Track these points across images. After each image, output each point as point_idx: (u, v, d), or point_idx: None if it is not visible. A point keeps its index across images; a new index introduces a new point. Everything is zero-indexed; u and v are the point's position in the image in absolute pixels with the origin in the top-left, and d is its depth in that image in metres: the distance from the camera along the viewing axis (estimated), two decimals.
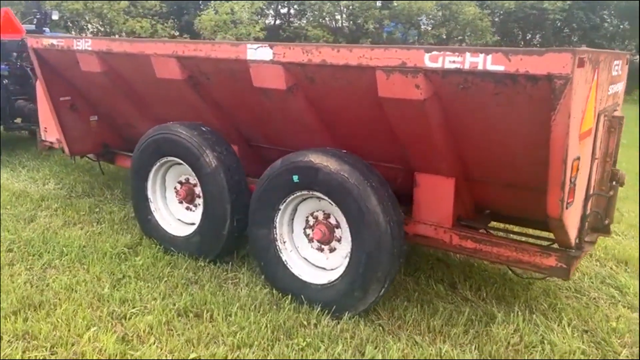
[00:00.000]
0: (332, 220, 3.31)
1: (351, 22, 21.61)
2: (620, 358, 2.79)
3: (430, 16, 21.04)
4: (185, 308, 3.16)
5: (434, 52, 2.70)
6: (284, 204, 3.35)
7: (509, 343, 3.01)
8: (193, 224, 3.93)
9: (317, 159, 3.14)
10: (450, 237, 3.34)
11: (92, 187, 5.55)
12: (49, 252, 3.84)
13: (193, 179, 3.92)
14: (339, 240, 3.30)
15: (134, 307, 3.16)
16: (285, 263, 3.39)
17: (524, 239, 3.48)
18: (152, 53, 3.86)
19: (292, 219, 3.45)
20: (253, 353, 2.78)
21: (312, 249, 3.42)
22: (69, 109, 5.13)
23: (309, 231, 3.42)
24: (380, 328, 3.09)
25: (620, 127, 3.28)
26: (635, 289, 3.79)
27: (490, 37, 20.05)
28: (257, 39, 17.74)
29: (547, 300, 3.55)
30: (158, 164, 3.93)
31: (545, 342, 3.05)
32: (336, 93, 3.20)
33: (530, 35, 22.99)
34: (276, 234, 3.41)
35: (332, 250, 3.33)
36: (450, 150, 3.12)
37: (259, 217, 3.43)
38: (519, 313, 3.28)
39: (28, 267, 3.65)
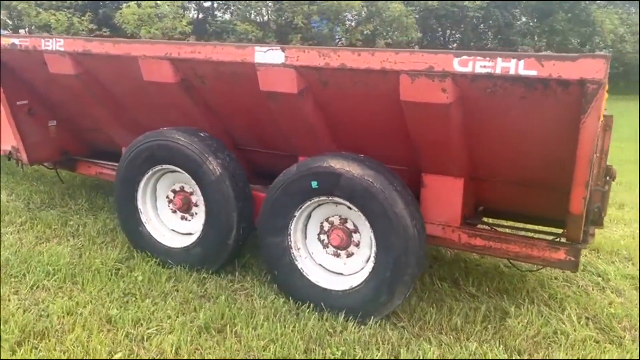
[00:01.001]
0: (350, 225, 3.28)
1: (279, 17, 21.46)
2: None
3: (355, 13, 21.34)
4: (205, 324, 3.02)
5: (464, 57, 2.74)
6: (300, 211, 3.28)
7: (527, 336, 3.13)
8: (190, 234, 3.76)
9: (338, 164, 3.09)
10: (458, 236, 3.42)
11: (51, 197, 5.15)
12: (32, 272, 3.52)
13: (189, 188, 3.74)
14: (357, 245, 3.28)
15: (149, 328, 2.98)
16: (301, 271, 3.32)
17: (521, 233, 3.64)
18: (141, 55, 3.63)
19: (306, 225, 3.38)
20: None
21: (327, 255, 3.38)
22: (26, 113, 4.73)
23: (323, 237, 3.37)
24: (406, 331, 3.12)
25: (611, 126, 3.49)
26: (615, 274, 4.06)
27: (415, 34, 20.65)
28: (183, 34, 17.23)
29: (545, 290, 3.73)
30: (150, 172, 3.71)
31: (559, 332, 3.20)
32: (350, 96, 3.17)
33: (449, 32, 23.98)
34: (291, 241, 3.33)
35: (349, 255, 3.31)
36: (464, 152, 3.19)
37: (272, 224, 3.33)
38: (529, 306, 3.41)
39: (13, 290, 3.33)
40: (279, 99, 3.31)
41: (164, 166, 3.65)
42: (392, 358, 2.86)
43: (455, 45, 23.93)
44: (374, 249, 3.11)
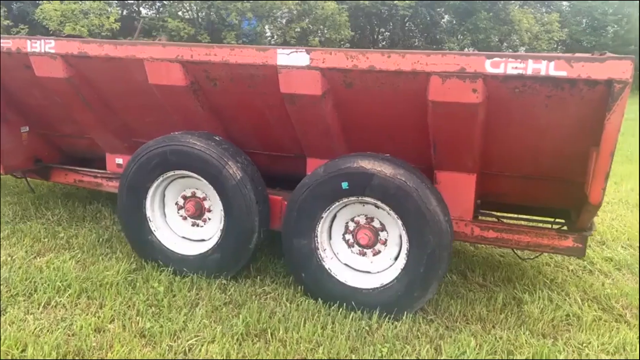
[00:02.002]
0: (376, 224, 3.34)
1: (208, 15, 21.05)
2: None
3: (287, 11, 21.35)
4: (246, 331, 2.98)
5: (496, 59, 2.87)
6: (327, 212, 3.30)
7: (546, 320, 3.33)
8: (202, 240, 3.67)
9: (369, 164, 3.14)
10: (471, 230, 3.57)
11: (24, 208, 4.82)
12: (40, 290, 3.30)
13: (201, 193, 3.65)
14: (384, 243, 3.34)
15: (189, 339, 2.89)
16: (329, 271, 3.34)
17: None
18: (148, 57, 3.50)
19: (331, 226, 3.40)
20: None
21: (353, 254, 3.42)
22: None
23: (348, 236, 3.41)
24: (436, 323, 3.22)
25: None
26: (598, 258, 4.38)
27: (348, 32, 20.99)
28: (111, 31, 16.56)
29: (544, 276, 3.97)
30: (161, 178, 3.58)
31: (571, 315, 3.43)
32: (374, 97, 3.22)
33: (378, 30, 24.57)
34: (317, 242, 3.35)
35: (376, 253, 3.37)
36: (481, 149, 3.33)
37: (298, 226, 3.33)
38: (538, 292, 3.63)
39: (25, 310, 3.11)
40: (300, 100, 3.31)
41: (177, 172, 3.54)
42: (434, 351, 2.94)
43: (384, 43, 24.56)
44: (405, 246, 3.18)
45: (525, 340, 3.08)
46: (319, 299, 3.35)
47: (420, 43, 23.94)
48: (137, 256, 3.76)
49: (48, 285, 3.35)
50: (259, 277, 3.65)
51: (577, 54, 2.90)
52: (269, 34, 21.88)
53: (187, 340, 2.88)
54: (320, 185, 3.24)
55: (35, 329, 2.90)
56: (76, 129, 4.48)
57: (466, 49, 23.79)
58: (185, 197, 3.69)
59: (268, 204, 3.54)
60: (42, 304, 3.17)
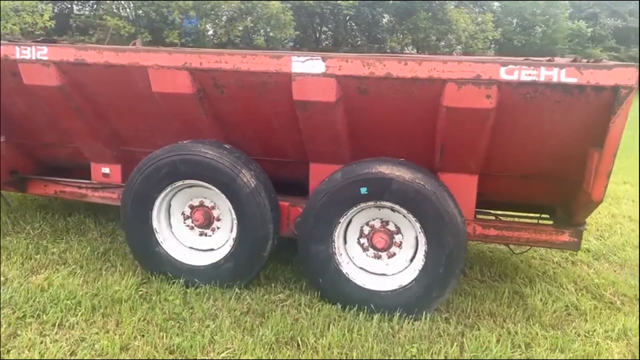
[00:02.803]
0: (391, 227, 3.41)
1: (147, 13, 20.43)
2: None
3: (226, 10, 21.06)
4: (277, 339, 2.98)
5: (510, 66, 3.01)
6: (344, 217, 3.34)
7: (550, 312, 3.52)
8: (211, 249, 3.62)
9: (387, 169, 3.21)
10: (473, 228, 3.72)
11: None
12: (49, 310, 3.14)
13: (209, 202, 3.59)
14: (399, 246, 3.42)
15: (219, 352, 2.85)
16: (347, 275, 3.39)
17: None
18: (153, 65, 3.41)
19: (346, 231, 3.45)
20: None
21: (368, 258, 3.48)
22: None
23: (363, 240, 3.47)
24: (452, 321, 3.34)
25: None
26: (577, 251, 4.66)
27: (293, 32, 20.98)
28: (45, 29, 15.80)
29: (535, 269, 4.20)
30: (169, 188, 3.49)
31: (570, 305, 3.65)
32: (387, 103, 3.29)
33: (321, 29, 24.71)
34: (335, 247, 3.38)
35: (391, 256, 3.44)
36: (486, 151, 3.48)
37: (316, 233, 3.35)
38: (536, 286, 3.83)
39: (38, 332, 2.96)
40: (313, 107, 3.33)
41: (186, 181, 3.47)
42: (459, 348, 3.05)
43: (327, 42, 24.73)
44: (423, 247, 3.28)
45: (537, 332, 3.25)
46: (338, 304, 3.38)
47: (362, 42, 24.30)
48: (141, 269, 3.65)
49: (56, 304, 3.20)
50: (271, 284, 3.64)
51: (583, 62, 3.09)
52: (211, 32, 21.52)
53: (219, 354, 2.84)
54: (338, 191, 3.28)
55: (58, 351, 2.78)
56: (59, 138, 4.28)
57: (406, 49, 24.40)
58: (192, 207, 3.62)
59: (279, 211, 3.54)
60: (56, 324, 3.03)
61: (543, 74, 2.99)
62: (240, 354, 2.85)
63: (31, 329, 2.98)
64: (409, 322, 3.25)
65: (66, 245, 4.11)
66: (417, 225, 3.25)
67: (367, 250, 3.47)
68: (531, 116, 3.19)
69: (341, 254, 3.42)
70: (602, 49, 28.40)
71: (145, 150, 4.15)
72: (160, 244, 3.59)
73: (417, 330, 3.18)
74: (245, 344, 2.92)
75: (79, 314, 3.13)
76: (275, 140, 3.81)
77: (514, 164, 3.59)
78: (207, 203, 3.60)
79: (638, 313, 3.30)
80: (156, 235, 3.58)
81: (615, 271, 4.31)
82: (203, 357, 2.80)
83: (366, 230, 3.45)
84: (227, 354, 2.85)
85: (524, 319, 3.42)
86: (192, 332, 3.01)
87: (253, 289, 3.56)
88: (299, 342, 2.99)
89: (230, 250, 3.49)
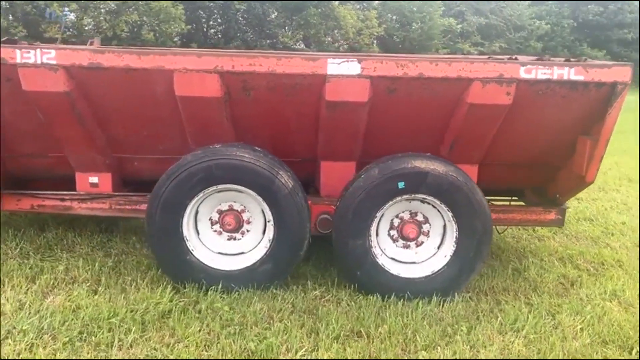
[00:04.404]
0: (419, 217, 3.64)
1: (22, 6, 18.67)
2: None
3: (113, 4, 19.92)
4: (342, 334, 3.08)
5: (529, 66, 3.37)
6: (381, 211, 3.50)
7: (547, 281, 3.98)
8: (241, 253, 3.60)
9: (422, 164, 3.43)
10: None
11: None
12: (94, 331, 2.95)
13: (239, 206, 3.56)
14: (426, 235, 3.66)
15: (297, 352, 2.90)
16: (382, 266, 3.56)
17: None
18: (180, 68, 3.30)
19: (378, 224, 3.61)
20: (451, 350, 3.01)
21: (397, 248, 3.68)
22: None
23: (393, 232, 3.66)
24: (477, 299, 3.65)
25: None
26: (536, 229, 5.24)
27: (184, 26, 20.35)
28: None
29: (517, 246, 4.67)
30: (201, 194, 3.41)
31: (560, 275, 4.13)
32: (412, 102, 3.51)
33: (211, 24, 24.27)
34: (371, 241, 3.54)
35: (419, 244, 3.67)
36: (490, 143, 3.83)
37: (353, 228, 3.48)
38: (527, 260, 4.29)
39: (101, 355, 2.78)
40: (343, 107, 3.45)
41: (220, 186, 3.41)
42: (496, 320, 3.37)
43: (219, 37, 24.33)
44: (454, 234, 3.55)
45: (554, 302, 3.66)
46: (376, 294, 3.54)
47: (254, 37, 24.24)
48: (171, 279, 3.53)
49: (98, 324, 3.01)
50: (300, 282, 3.70)
51: (589, 61, 3.54)
52: (91, 27, 20.18)
53: (297, 353, 2.89)
54: (376, 187, 3.43)
55: None
56: (43, 148, 3.94)
57: (298, 43, 24.77)
58: (220, 212, 3.56)
59: (310, 210, 3.61)
60: (111, 345, 2.86)
61: (556, 73, 3.39)
62: (318, 351, 2.91)
63: (88, 353, 2.79)
64: (444, 305, 3.51)
65: (64, 263, 3.81)
66: (449, 214, 3.51)
67: (397, 241, 3.67)
68: (537, 110, 3.58)
69: (375, 247, 3.59)
70: (470, 44, 31.07)
71: (141, 156, 4.01)
72: (192, 252, 3.49)
73: (455, 310, 3.45)
74: (316, 342, 2.99)
75: (132, 332, 2.97)
76: (288, 140, 3.86)
77: (510, 153, 3.97)
78: (237, 207, 3.57)
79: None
80: (187, 243, 3.48)
81: (575, 243, 4.93)
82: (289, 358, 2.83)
83: (396, 222, 3.65)
84: (304, 352, 2.90)
85: (532, 291, 3.83)
86: (255, 339, 3.00)
87: (286, 289, 3.60)
88: (363, 333, 3.11)
89: (266, 252, 3.50)
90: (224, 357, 2.81)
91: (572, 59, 3.92)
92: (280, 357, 2.84)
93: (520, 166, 4.11)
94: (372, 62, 3.35)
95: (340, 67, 3.34)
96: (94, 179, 4.07)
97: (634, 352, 3.11)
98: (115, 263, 3.83)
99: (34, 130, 3.77)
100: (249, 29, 24.69)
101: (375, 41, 27.67)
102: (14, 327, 2.94)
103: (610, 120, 3.51)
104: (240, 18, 24.40)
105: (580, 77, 3.40)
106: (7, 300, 3.27)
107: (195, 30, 23.22)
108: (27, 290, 3.41)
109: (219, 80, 3.35)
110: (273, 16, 24.41)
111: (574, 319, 3.41)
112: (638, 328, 3.35)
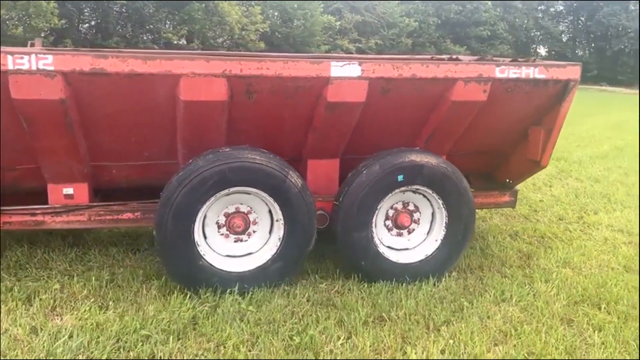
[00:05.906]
0: (411, 207, 3.94)
1: None
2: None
3: None
4: (367, 320, 3.29)
5: (502, 67, 3.81)
6: (381, 203, 3.75)
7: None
8: (249, 253, 3.65)
9: (418, 157, 3.74)
10: None
11: None
12: (132, 347, 2.87)
13: (245, 207, 3.60)
14: (416, 222, 3.98)
15: (338, 341, 3.06)
16: (383, 255, 3.82)
17: None
18: (188, 72, 3.27)
19: (376, 215, 3.85)
20: (465, 323, 3.35)
21: (392, 237, 3.95)
22: None
23: (388, 222, 3.93)
24: (465, 276, 4.05)
25: None
26: (497, 210, 5.77)
27: (57, 21, 18.91)
28: None
29: (490, 227, 5.17)
30: (213, 198, 3.40)
31: (520, 250, 4.68)
32: (404, 100, 3.79)
33: (86, 19, 22.80)
34: (373, 232, 3.78)
35: (410, 231, 3.98)
36: (459, 134, 4.23)
37: (358, 220, 3.69)
38: (489, 238, 4.80)
39: None
40: (342, 108, 3.64)
41: (232, 189, 3.43)
42: (497, 298, 3.78)
43: (94, 32, 22.90)
44: (444, 220, 3.90)
45: (524, 272, 4.16)
46: (380, 281, 3.79)
47: (134, 32, 23.14)
48: (182, 286, 3.48)
49: (130, 339, 2.93)
50: (305, 277, 3.83)
51: (548, 62, 4.05)
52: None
53: (341, 344, 3.05)
54: (378, 181, 3.67)
55: None
56: (11, 160, 3.64)
57: (183, 39, 24.13)
58: (227, 214, 3.58)
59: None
60: (153, 356, 2.81)
61: (524, 72, 3.86)
62: (355, 337, 3.10)
63: None
64: (438, 285, 3.85)
65: (56, 283, 3.57)
66: (440, 202, 3.86)
67: (391, 230, 3.95)
68: (504, 105, 4.03)
69: (375, 237, 3.83)
70: (349, 40, 32.28)
71: (121, 164, 3.88)
72: (203, 256, 3.47)
73: (450, 288, 3.81)
74: (348, 330, 3.17)
75: (170, 342, 2.93)
76: (278, 141, 3.95)
77: (474, 143, 4.42)
78: (243, 209, 3.61)
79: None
80: (198, 248, 3.46)
81: (512, 221, 5.56)
82: (331, 348, 2.97)
83: (390, 213, 3.92)
84: (342, 341, 3.06)
85: (501, 265, 4.32)
86: (293, 331, 3.11)
87: (295, 285, 3.72)
88: (385, 317, 3.35)
89: (277, 251, 3.59)
90: (273, 355, 2.89)
91: (519, 59, 4.46)
92: (325, 348, 2.98)
93: (475, 154, 4.57)
94: (371, 65, 3.57)
95: (343, 69, 3.52)
96: (68, 190, 3.84)
97: (602, 308, 3.67)
98: (111, 276, 3.67)
99: (5, 142, 3.48)
100: (128, 23, 23.54)
101: (259, 38, 27.72)
102: (48, 353, 2.76)
103: (563, 112, 4.08)
104: (116, 12, 23.19)
105: (543, 76, 3.90)
106: (12, 320, 3.04)
107: (70, 25, 21.62)
108: (26, 311, 3.18)
109: (226, 84, 3.36)
110: (152, 10, 23.50)
111: (546, 286, 3.93)
112: (599, 288, 3.97)
